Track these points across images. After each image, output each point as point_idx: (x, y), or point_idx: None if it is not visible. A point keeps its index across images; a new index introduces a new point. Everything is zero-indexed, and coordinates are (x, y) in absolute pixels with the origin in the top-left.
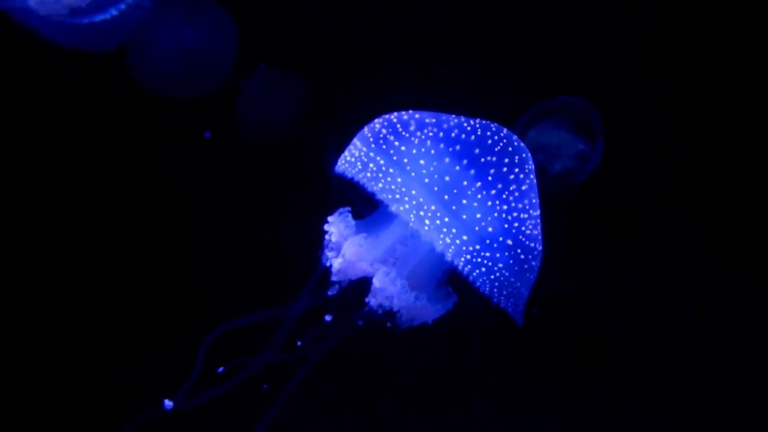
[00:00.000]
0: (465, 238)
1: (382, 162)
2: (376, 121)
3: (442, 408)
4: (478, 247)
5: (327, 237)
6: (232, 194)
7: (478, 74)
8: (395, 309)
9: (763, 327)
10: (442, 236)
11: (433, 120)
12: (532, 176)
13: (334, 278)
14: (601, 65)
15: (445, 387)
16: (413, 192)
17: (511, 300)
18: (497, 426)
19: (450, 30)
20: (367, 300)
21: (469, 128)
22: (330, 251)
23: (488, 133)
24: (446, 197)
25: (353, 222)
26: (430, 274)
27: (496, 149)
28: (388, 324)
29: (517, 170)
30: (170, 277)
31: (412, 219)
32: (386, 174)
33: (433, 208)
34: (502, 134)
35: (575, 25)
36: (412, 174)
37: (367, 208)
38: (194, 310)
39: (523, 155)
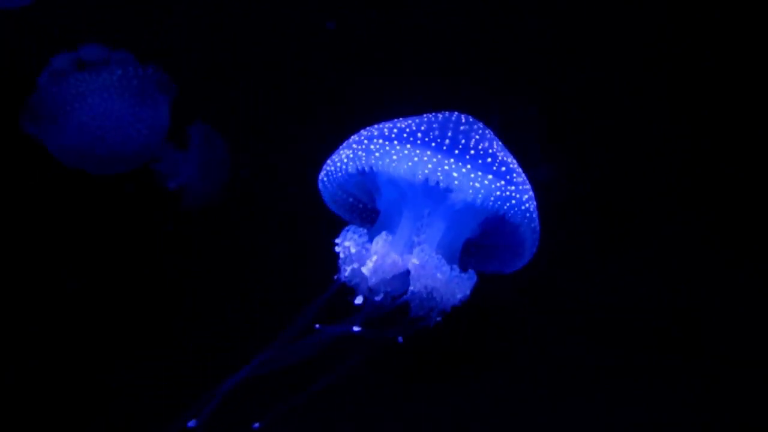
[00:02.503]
0: (490, 177)
1: (382, 141)
2: (348, 139)
3: (447, 405)
4: (502, 183)
5: (343, 252)
6: (233, 196)
7: None
8: (437, 286)
9: (764, 326)
10: (471, 183)
11: (405, 118)
12: (495, 135)
13: (372, 281)
14: (601, 66)
15: (448, 384)
16: (428, 153)
17: (534, 232)
18: (496, 423)
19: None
20: (410, 287)
21: (435, 114)
22: (350, 264)
23: (446, 112)
24: (457, 151)
25: (364, 231)
26: (452, 250)
27: (461, 115)
28: (433, 314)
29: (488, 131)
30: (170, 277)
31: (440, 177)
32: (393, 146)
33: (451, 160)
34: (459, 115)
35: (576, 25)
36: (418, 142)
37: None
38: (194, 310)
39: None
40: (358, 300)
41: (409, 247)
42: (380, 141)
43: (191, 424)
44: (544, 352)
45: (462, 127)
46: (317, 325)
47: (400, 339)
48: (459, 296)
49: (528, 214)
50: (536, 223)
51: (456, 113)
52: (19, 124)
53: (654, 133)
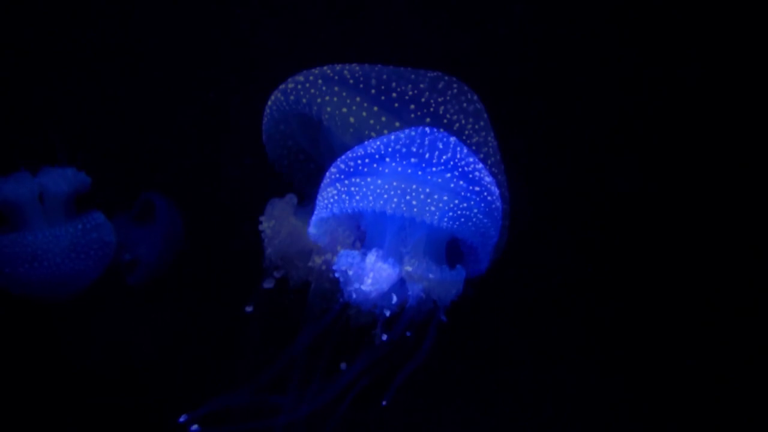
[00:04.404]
0: (445, 198)
1: (358, 180)
2: (331, 169)
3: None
4: (456, 201)
5: (341, 275)
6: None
7: None
8: (432, 287)
9: (764, 326)
10: (427, 208)
11: (370, 141)
12: (459, 141)
13: (373, 296)
14: (599, 65)
15: (450, 384)
16: (394, 183)
17: (482, 240)
18: (492, 419)
19: None
20: (408, 293)
21: (397, 134)
22: (350, 285)
23: (419, 129)
24: (419, 173)
25: (356, 252)
26: (437, 251)
27: (427, 130)
28: (438, 314)
29: (453, 138)
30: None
31: (404, 209)
32: (367, 185)
33: (414, 186)
34: (424, 128)
35: (574, 25)
36: (386, 171)
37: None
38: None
39: (443, 130)
40: (386, 313)
41: (399, 258)
42: (357, 180)
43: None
44: (540, 354)
45: (427, 140)
46: (343, 365)
47: (429, 337)
48: (454, 291)
49: (476, 228)
50: (489, 229)
51: (421, 128)
52: None
53: (653, 133)
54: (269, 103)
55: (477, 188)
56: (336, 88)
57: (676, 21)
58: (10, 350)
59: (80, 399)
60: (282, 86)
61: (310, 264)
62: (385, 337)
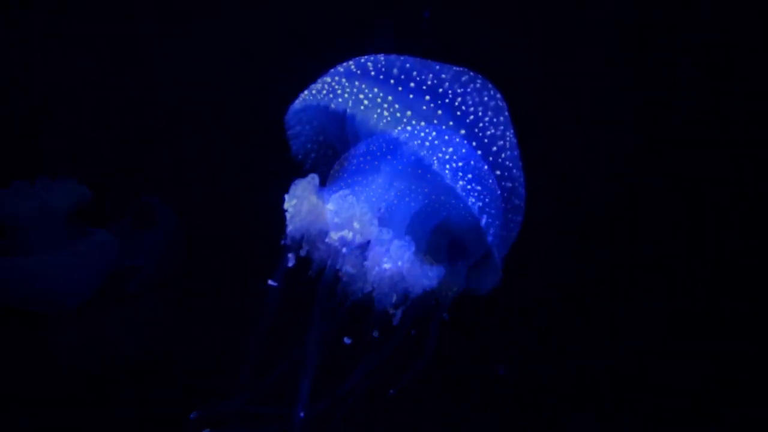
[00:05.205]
0: (443, 197)
1: (360, 178)
2: (335, 166)
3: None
4: (455, 201)
5: (346, 275)
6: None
7: None
8: (432, 285)
9: (764, 327)
10: (427, 208)
11: (373, 137)
12: (463, 139)
13: (375, 291)
14: (599, 63)
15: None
16: (395, 183)
17: (479, 237)
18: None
19: None
20: (410, 290)
21: (400, 130)
22: (354, 284)
23: (422, 125)
24: (419, 171)
25: (359, 250)
26: (438, 249)
27: (428, 129)
28: (440, 310)
29: (455, 136)
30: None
31: (403, 209)
32: (368, 184)
33: (414, 185)
34: (426, 125)
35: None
36: (387, 169)
37: None
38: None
39: (452, 123)
40: (388, 310)
41: (401, 255)
42: (359, 178)
43: None
44: (540, 354)
45: (430, 136)
46: (347, 340)
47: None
48: (455, 289)
49: (476, 227)
50: (487, 227)
51: (424, 124)
52: None
53: (652, 133)
54: (300, 99)
55: (479, 187)
56: (356, 82)
57: (694, 21)
58: (7, 354)
59: (78, 402)
60: (311, 85)
61: (327, 240)
62: (383, 334)
